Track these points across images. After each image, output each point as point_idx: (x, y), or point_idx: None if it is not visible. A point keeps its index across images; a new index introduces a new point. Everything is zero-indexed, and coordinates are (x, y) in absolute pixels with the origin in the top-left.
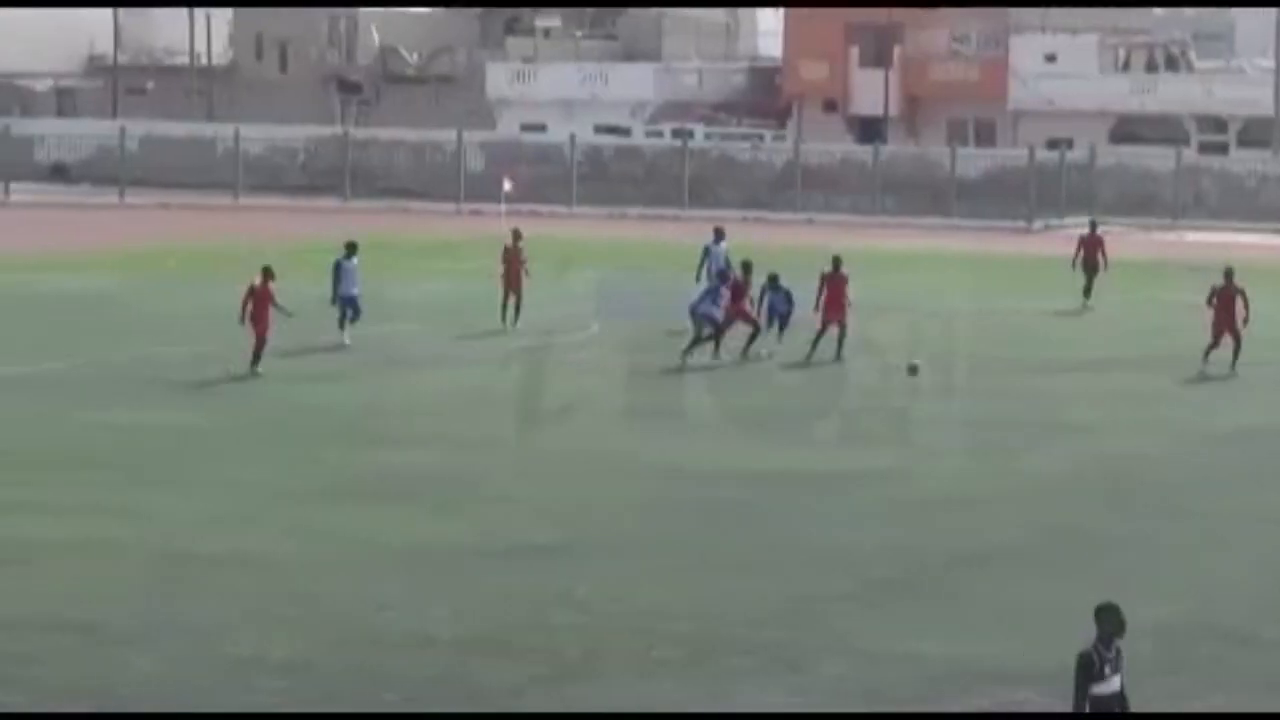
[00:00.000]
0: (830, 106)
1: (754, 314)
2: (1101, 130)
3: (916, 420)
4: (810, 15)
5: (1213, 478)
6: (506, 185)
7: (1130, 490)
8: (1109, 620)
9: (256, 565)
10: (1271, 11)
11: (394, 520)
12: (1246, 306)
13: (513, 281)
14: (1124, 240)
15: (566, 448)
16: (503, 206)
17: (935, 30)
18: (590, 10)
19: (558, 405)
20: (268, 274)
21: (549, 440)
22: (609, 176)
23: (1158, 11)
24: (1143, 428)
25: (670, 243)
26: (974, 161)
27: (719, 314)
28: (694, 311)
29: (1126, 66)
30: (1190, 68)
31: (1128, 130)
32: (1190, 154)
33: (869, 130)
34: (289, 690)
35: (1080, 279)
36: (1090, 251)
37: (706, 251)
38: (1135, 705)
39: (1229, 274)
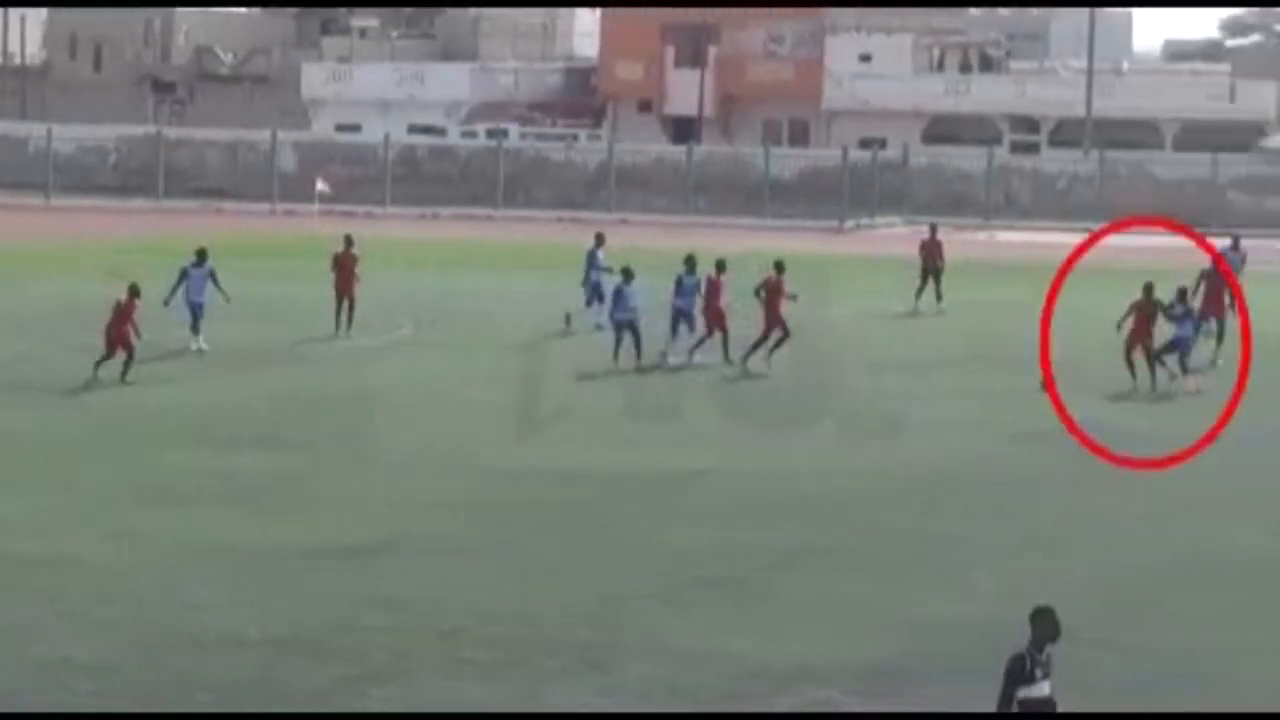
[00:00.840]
0: (645, 106)
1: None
2: (915, 130)
3: (747, 420)
4: (626, 15)
5: (1036, 477)
6: (320, 185)
7: (955, 490)
8: (1044, 624)
9: (74, 567)
10: (1084, 12)
11: (219, 522)
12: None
13: (345, 287)
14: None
15: (395, 448)
16: (316, 206)
17: (751, 30)
18: (407, 10)
19: (388, 406)
20: (134, 292)
21: (378, 441)
22: (423, 177)
23: (973, 11)
24: (969, 427)
25: (485, 242)
26: (788, 161)
27: (636, 315)
28: (613, 319)
29: (941, 67)
30: (1004, 68)
31: (941, 130)
32: (1002, 154)
33: (684, 130)
34: (99, 692)
35: (917, 281)
36: (930, 255)
37: (591, 256)
38: (952, 706)
39: (1149, 289)
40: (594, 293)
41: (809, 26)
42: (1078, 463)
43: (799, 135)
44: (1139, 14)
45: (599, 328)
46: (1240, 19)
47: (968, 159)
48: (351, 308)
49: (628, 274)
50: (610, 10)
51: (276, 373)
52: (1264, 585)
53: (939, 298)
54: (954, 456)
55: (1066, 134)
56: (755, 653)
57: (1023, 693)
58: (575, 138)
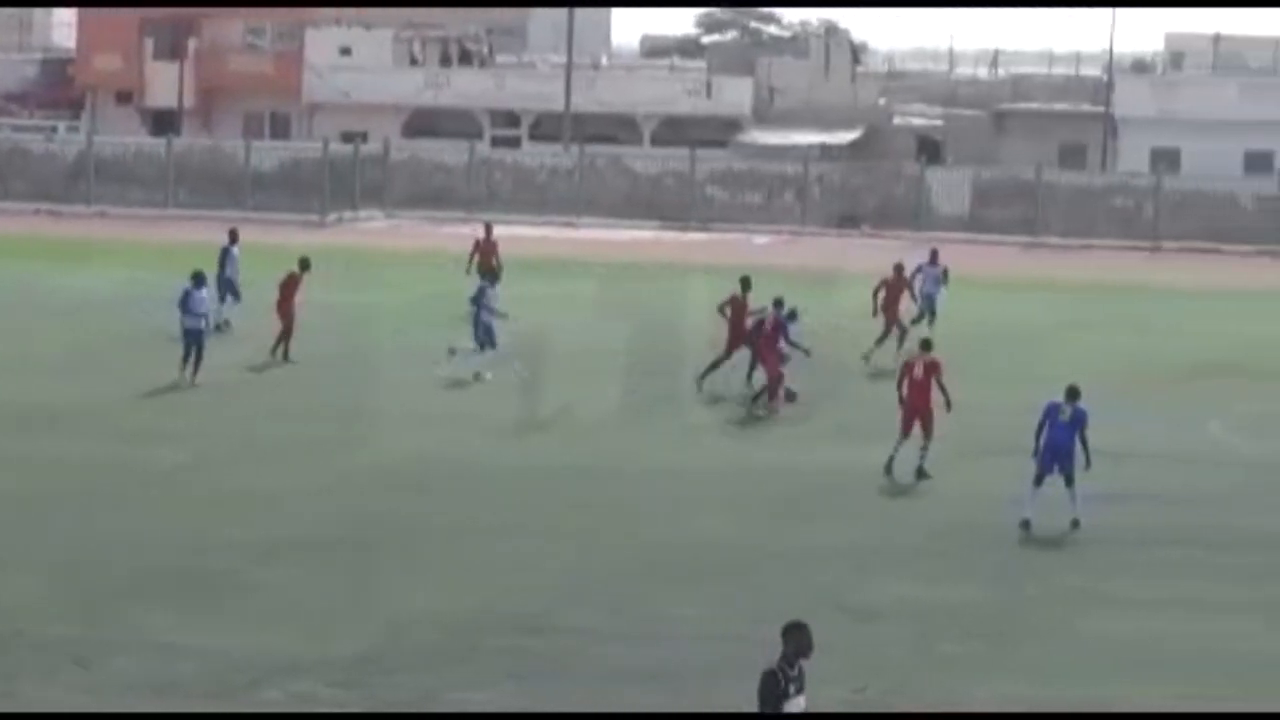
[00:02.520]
0: (125, 98)
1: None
2: (396, 123)
3: (242, 414)
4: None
5: (520, 467)
6: None
7: (443, 482)
8: (795, 639)
9: None
10: (563, 9)
11: None
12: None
13: None
14: (415, 233)
15: None
16: None
17: (230, 23)
18: None
19: None
20: None
21: None
22: None
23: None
24: (458, 420)
25: None
26: (269, 154)
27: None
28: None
29: (422, 60)
30: (484, 62)
31: (422, 123)
32: (483, 147)
33: (164, 122)
34: None
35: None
36: (486, 254)
37: (225, 253)
38: (428, 697)
39: (899, 267)
40: (227, 289)
41: (288, 19)
42: (574, 454)
43: (280, 128)
44: (617, 10)
45: (226, 324)
46: (716, 16)
47: (449, 152)
48: None
49: (198, 279)
50: None
51: None
52: (745, 575)
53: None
54: (448, 448)
55: (547, 128)
56: (237, 646)
57: (780, 709)
58: (54, 129)
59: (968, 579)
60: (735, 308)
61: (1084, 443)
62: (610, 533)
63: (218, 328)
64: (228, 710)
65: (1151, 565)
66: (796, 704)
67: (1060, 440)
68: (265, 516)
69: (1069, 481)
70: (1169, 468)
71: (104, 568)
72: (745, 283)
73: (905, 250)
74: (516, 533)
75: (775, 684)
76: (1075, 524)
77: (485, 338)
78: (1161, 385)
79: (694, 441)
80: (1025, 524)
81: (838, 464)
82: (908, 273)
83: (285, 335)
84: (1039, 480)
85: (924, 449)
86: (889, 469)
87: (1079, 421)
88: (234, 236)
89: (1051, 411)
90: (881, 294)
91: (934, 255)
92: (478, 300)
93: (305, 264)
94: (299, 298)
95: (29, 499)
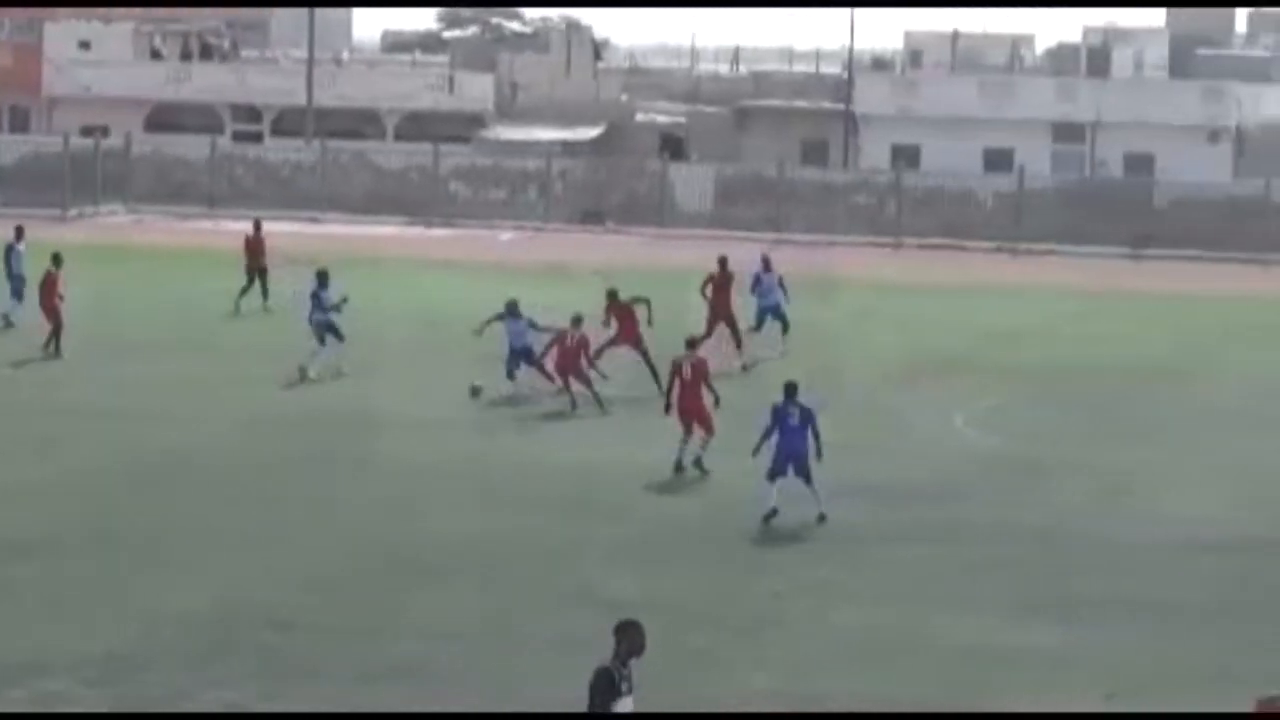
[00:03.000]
0: None
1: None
2: (138, 118)
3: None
4: None
5: (282, 462)
6: None
7: (200, 477)
8: (629, 638)
9: None
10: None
11: None
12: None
13: None
14: (158, 228)
15: None
16: None
17: None
18: None
19: None
20: None
21: None
22: None
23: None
24: (218, 416)
25: None
26: (9, 148)
27: None
28: None
29: (164, 54)
30: (226, 56)
31: (164, 118)
32: (225, 142)
33: None
34: None
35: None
36: (254, 252)
37: (10, 250)
38: (184, 695)
39: (723, 261)
40: (17, 286)
41: (27, 13)
42: (344, 449)
43: (20, 122)
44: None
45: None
46: (457, 12)
47: (190, 147)
48: None
49: (21, 279)
50: None
51: None
52: (500, 571)
53: (265, 295)
54: (182, 444)
55: (289, 123)
56: None
57: (612, 707)
58: None
59: (719, 572)
60: (616, 313)
61: (816, 436)
62: (371, 529)
63: (9, 324)
64: None
65: (900, 559)
66: (625, 704)
67: (796, 444)
68: (18, 512)
69: (808, 481)
70: (916, 462)
71: None
72: (612, 294)
73: (646, 246)
74: (271, 529)
75: (610, 681)
76: (822, 518)
77: (329, 334)
78: (906, 381)
79: (481, 439)
80: (772, 513)
81: (619, 462)
82: (749, 282)
83: (55, 331)
84: (772, 477)
85: (704, 443)
86: (678, 468)
87: (809, 419)
88: (19, 233)
89: (781, 415)
90: (709, 290)
91: (767, 262)
92: (313, 303)
93: (57, 260)
94: (60, 291)
95: None
